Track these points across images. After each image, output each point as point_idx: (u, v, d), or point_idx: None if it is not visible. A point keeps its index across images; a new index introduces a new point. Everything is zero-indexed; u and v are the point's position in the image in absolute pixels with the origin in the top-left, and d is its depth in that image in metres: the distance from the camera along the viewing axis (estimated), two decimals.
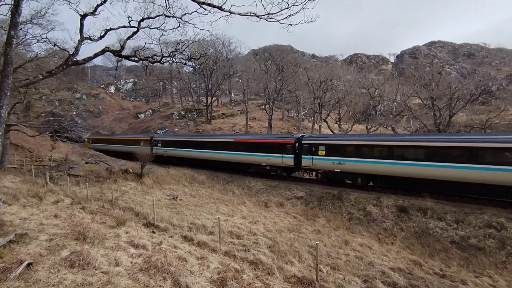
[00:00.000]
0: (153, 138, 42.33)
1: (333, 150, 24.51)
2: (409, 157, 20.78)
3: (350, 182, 24.15)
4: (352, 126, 46.41)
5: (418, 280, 10.36)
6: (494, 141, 18.26)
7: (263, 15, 12.33)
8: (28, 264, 6.92)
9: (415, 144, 21.13)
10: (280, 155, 27.31)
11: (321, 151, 25.04)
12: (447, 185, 19.71)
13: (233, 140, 32.38)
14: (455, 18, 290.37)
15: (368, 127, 44.92)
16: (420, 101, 46.66)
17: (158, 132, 60.85)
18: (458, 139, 20.73)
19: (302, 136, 27.69)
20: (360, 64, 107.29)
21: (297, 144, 26.80)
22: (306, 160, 25.85)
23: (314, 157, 25.36)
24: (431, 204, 18.38)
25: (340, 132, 45.44)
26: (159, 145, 40.51)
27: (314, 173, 27.33)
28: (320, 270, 9.14)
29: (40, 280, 6.46)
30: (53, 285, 6.34)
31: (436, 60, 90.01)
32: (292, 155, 26.65)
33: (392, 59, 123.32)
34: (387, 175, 21.91)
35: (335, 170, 24.30)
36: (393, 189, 21.75)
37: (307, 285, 8.30)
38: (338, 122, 48.35)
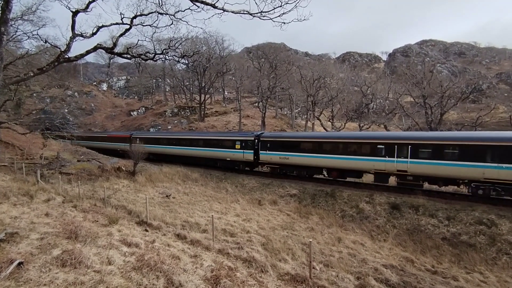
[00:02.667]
0: (73, 135, 57.04)
1: (143, 141, 41.80)
2: (169, 144, 39.18)
3: (153, 158, 37.84)
4: (345, 124, 46.57)
5: (410, 276, 10.45)
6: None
7: (257, 13, 12.32)
8: (19, 264, 6.84)
9: (169, 137, 41.08)
10: (124, 144, 43.22)
11: (140, 142, 41.77)
12: (185, 158, 36.00)
13: (106, 135, 49.89)
14: (445, 19, 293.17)
15: (361, 125, 45.13)
16: (412, 99, 47.03)
17: (151, 129, 61.22)
18: (183, 134, 42.91)
19: (133, 132, 47.30)
20: (352, 62, 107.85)
21: (131, 137, 43.71)
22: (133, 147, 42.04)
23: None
24: (423, 201, 18.53)
25: (333, 130, 45.60)
26: (80, 139, 54.29)
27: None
28: (313, 268, 9.17)
29: (31, 280, 6.39)
30: (45, 285, 6.28)
31: (428, 58, 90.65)
32: (128, 144, 41.45)
33: (384, 57, 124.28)
34: (164, 154, 39.08)
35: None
36: (181, 163, 34.67)
37: (300, 283, 8.32)
38: (331, 120, 48.49)
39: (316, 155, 25.24)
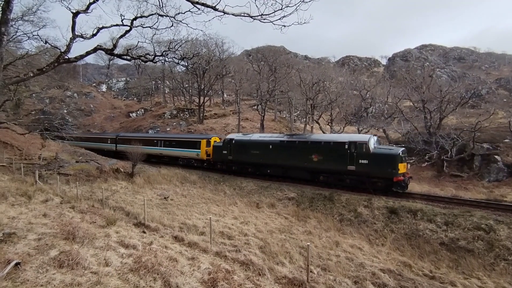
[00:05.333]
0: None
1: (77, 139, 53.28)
2: (80, 140, 51.88)
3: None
4: (344, 127, 46.61)
5: (408, 281, 10.42)
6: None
7: (257, 15, 12.32)
8: (16, 264, 6.84)
9: (79, 136, 54.37)
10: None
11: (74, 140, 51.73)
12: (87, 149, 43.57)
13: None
14: (441, 27, 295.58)
15: (360, 129, 45.15)
16: (411, 104, 47.08)
17: (150, 131, 61.27)
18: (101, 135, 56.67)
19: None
20: (352, 66, 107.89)
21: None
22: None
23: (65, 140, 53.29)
24: (421, 206, 18.55)
25: (332, 132, 45.70)
26: None
27: None
28: (311, 271, 9.16)
29: (28, 280, 6.38)
30: (42, 285, 6.27)
31: (427, 63, 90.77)
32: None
33: (384, 61, 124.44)
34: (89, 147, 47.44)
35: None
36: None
37: (298, 286, 8.31)
38: (330, 124, 48.54)
39: (152, 148, 41.63)
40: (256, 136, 30.87)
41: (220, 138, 34.67)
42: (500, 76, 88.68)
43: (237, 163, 31.05)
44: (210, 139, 34.85)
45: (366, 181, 22.81)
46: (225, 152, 31.66)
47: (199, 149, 34.68)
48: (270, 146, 28.07)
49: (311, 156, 24.82)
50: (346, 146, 23.31)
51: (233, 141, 31.15)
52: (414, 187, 26.62)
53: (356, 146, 22.86)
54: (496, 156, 31.99)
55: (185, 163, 35.90)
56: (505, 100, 68.69)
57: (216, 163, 33.75)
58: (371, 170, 22.21)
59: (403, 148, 23.32)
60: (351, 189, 23.49)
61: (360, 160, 22.53)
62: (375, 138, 24.19)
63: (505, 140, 34.11)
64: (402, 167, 21.72)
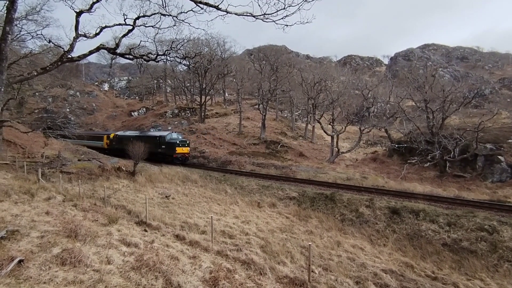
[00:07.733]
0: None
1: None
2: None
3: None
4: (345, 127, 46.52)
5: (410, 282, 10.42)
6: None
7: (260, 15, 12.34)
8: (19, 261, 6.86)
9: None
10: None
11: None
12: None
13: None
14: (442, 28, 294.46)
15: (362, 129, 45.07)
16: (413, 104, 46.86)
17: (151, 130, 61.35)
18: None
19: None
20: (354, 66, 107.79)
21: None
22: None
23: None
24: (424, 206, 18.50)
25: (333, 134, 45.64)
26: None
27: None
28: (312, 271, 9.16)
29: (31, 277, 6.41)
30: (44, 283, 6.29)
31: (430, 62, 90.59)
32: None
33: (386, 61, 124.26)
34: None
35: None
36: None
37: (299, 286, 8.31)
38: (331, 123, 48.45)
39: (84, 141, 51.82)
40: (128, 133, 47.84)
41: (116, 134, 48.59)
42: (503, 75, 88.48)
43: (118, 149, 42.29)
44: (110, 134, 49.32)
45: (165, 157, 38.21)
46: (114, 143, 47.01)
47: (103, 141, 49.75)
48: (131, 139, 40.19)
49: (147, 144, 34.93)
50: (158, 139, 39.69)
51: (116, 136, 47.12)
52: (416, 187, 26.59)
53: (161, 138, 39.44)
54: (499, 157, 31.84)
55: (98, 151, 43.79)
56: (508, 100, 68.47)
57: (110, 150, 46.00)
58: (166, 151, 38.33)
59: (182, 139, 40.20)
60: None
61: (162, 146, 38.78)
62: (173, 133, 42.00)
63: (509, 141, 33.96)
64: (179, 150, 37.90)
